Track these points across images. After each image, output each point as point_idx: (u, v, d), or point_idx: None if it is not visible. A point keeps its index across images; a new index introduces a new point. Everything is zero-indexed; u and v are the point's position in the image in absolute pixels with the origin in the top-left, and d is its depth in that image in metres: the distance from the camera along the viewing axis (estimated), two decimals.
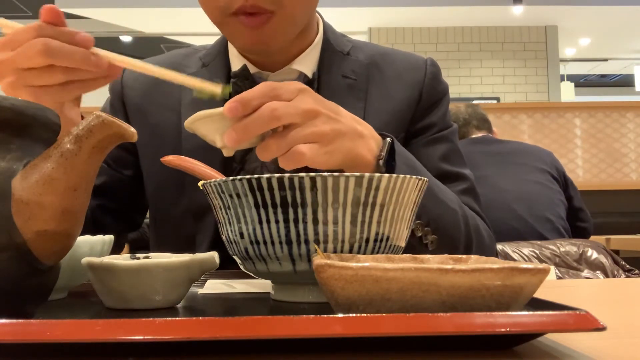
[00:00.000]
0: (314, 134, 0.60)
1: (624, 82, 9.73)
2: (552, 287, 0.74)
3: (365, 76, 0.91)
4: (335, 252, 0.49)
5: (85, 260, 0.49)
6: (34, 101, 0.63)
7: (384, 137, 0.70)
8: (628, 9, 6.43)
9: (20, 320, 0.34)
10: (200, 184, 0.55)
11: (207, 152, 0.87)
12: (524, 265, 0.37)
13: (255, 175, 0.48)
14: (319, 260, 0.38)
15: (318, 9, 0.92)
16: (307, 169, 0.86)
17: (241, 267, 0.55)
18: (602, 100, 4.69)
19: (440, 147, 0.91)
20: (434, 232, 0.72)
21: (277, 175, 0.47)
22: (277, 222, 0.48)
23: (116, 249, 0.61)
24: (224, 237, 0.54)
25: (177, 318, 0.34)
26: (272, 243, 0.49)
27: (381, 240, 0.50)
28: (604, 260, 1.80)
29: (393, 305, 0.37)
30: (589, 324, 0.35)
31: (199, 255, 0.50)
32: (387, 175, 0.49)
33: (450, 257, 0.47)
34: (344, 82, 0.89)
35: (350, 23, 6.21)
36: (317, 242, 0.48)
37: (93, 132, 0.38)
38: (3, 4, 6.43)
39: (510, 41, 6.87)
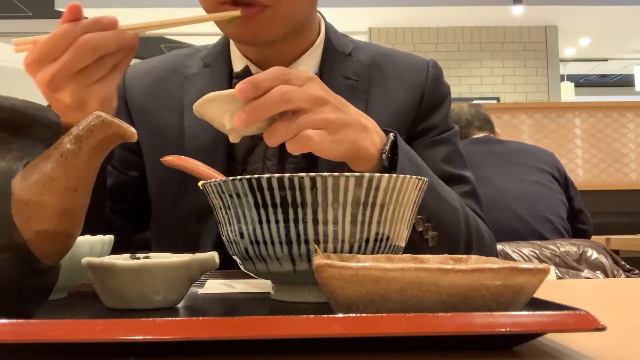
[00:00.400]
0: (322, 121, 0.61)
1: (624, 82, 9.72)
2: (552, 287, 0.74)
3: (367, 77, 0.91)
4: (335, 252, 0.49)
5: (85, 260, 0.49)
6: (102, 95, 0.66)
7: (387, 133, 0.71)
8: (628, 9, 6.43)
9: (20, 320, 0.34)
10: (200, 184, 0.55)
11: (210, 152, 0.87)
12: (524, 265, 0.37)
13: (256, 175, 0.48)
14: (319, 260, 0.38)
15: (318, 9, 0.92)
16: (308, 169, 0.86)
17: (241, 267, 0.55)
18: (602, 100, 4.69)
19: (441, 149, 0.91)
20: (435, 229, 0.72)
21: (277, 175, 0.47)
22: (277, 222, 0.48)
23: (126, 250, 0.61)
24: (224, 237, 0.54)
25: (177, 318, 0.34)
26: (272, 243, 0.49)
27: (381, 240, 0.50)
28: (604, 260, 1.80)
29: (393, 305, 0.37)
30: (589, 324, 0.35)
31: (199, 255, 0.50)
32: (387, 175, 0.49)
33: (450, 257, 0.47)
34: (346, 83, 0.89)
35: (350, 23, 6.21)
36: (317, 242, 0.48)
37: (93, 132, 0.38)
38: (3, 4, 6.43)
39: (510, 41, 6.87)
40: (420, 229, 0.71)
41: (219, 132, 0.89)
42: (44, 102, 0.73)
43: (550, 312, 0.35)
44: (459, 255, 0.47)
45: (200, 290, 0.59)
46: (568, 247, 1.83)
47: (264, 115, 0.58)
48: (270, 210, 0.48)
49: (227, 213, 0.51)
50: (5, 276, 0.37)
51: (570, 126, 4.22)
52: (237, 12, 0.65)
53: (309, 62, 0.89)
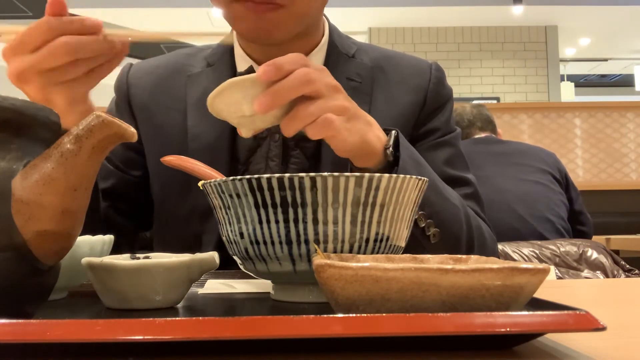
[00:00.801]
0: (340, 107, 0.61)
1: (624, 82, 9.72)
2: (552, 287, 0.74)
3: (370, 79, 0.91)
4: (335, 252, 0.49)
5: (85, 260, 0.49)
6: (69, 95, 0.65)
7: (387, 132, 0.71)
8: (628, 9, 6.43)
9: (20, 320, 0.34)
10: (200, 184, 0.55)
11: (213, 152, 0.87)
12: (524, 265, 0.37)
13: (256, 176, 0.48)
14: (319, 260, 0.38)
15: None
16: (310, 169, 0.86)
17: (241, 267, 0.55)
18: (602, 100, 4.69)
19: (443, 152, 0.91)
20: (437, 226, 0.73)
21: (277, 175, 0.47)
22: (277, 222, 0.48)
23: (129, 250, 0.61)
24: (224, 237, 0.54)
25: (177, 318, 0.34)
26: (272, 243, 0.49)
27: (381, 240, 0.50)
28: (604, 260, 1.80)
29: (393, 305, 0.37)
30: (589, 324, 0.35)
31: (199, 255, 0.50)
32: (387, 175, 0.49)
33: (450, 257, 0.47)
34: (349, 85, 0.89)
35: (350, 23, 6.21)
36: (317, 242, 0.48)
37: (93, 132, 0.38)
38: (3, 4, 6.43)
39: (510, 41, 6.87)
40: (423, 225, 0.72)
41: (222, 132, 0.89)
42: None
43: (550, 312, 0.35)
44: (459, 255, 0.47)
45: (200, 290, 0.59)
46: (568, 247, 1.83)
47: (287, 97, 0.58)
48: (270, 210, 0.48)
49: (227, 213, 0.51)
50: (5, 276, 0.37)
51: (570, 126, 4.21)
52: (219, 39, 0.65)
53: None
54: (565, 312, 0.35)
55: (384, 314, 0.35)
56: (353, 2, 6.03)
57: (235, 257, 0.54)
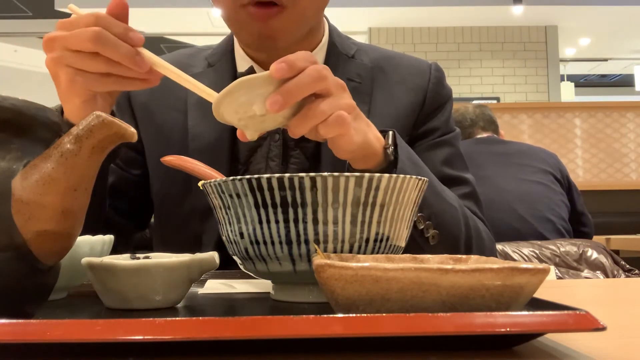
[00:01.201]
0: (349, 106, 0.61)
1: (624, 82, 9.72)
2: (552, 287, 0.74)
3: (370, 80, 0.91)
4: (335, 252, 0.49)
5: (85, 260, 0.49)
6: (68, 81, 0.66)
7: (383, 133, 0.71)
8: (628, 9, 6.43)
9: (20, 320, 0.34)
10: (200, 184, 0.55)
11: (213, 152, 0.87)
12: (524, 265, 0.37)
13: (255, 176, 0.48)
14: (319, 260, 0.38)
15: None
16: (311, 169, 0.86)
17: (241, 267, 0.55)
18: (602, 100, 4.69)
19: (442, 151, 0.91)
20: (435, 228, 0.73)
21: (277, 175, 0.47)
22: (277, 222, 0.48)
23: (125, 249, 0.61)
24: (224, 237, 0.54)
25: (177, 318, 0.34)
26: (272, 243, 0.49)
27: (381, 240, 0.50)
28: (604, 260, 1.80)
29: (393, 305, 0.37)
30: (589, 324, 0.35)
31: (199, 255, 0.50)
32: (387, 175, 0.49)
33: (450, 257, 0.47)
34: (349, 85, 0.89)
35: (350, 23, 6.21)
36: (317, 242, 0.48)
37: (93, 132, 0.38)
38: (3, 4, 6.43)
39: (510, 41, 6.86)
40: (422, 227, 0.72)
41: (222, 132, 0.89)
42: (44, 102, 0.73)
43: (550, 312, 0.35)
44: (459, 255, 0.47)
45: (200, 290, 0.59)
46: (568, 247, 1.83)
47: (301, 95, 0.56)
48: (270, 210, 0.48)
49: (227, 213, 0.51)
50: (5, 276, 0.37)
51: (570, 126, 4.21)
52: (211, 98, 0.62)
53: None
54: (565, 312, 0.35)
55: (384, 314, 0.35)
56: (353, 2, 6.03)
57: (235, 257, 0.54)
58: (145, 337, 0.33)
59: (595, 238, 2.36)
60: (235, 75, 0.90)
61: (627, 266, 1.82)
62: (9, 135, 0.40)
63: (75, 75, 0.65)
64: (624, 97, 8.59)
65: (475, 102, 2.73)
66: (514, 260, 1.70)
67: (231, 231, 0.52)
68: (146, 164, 0.95)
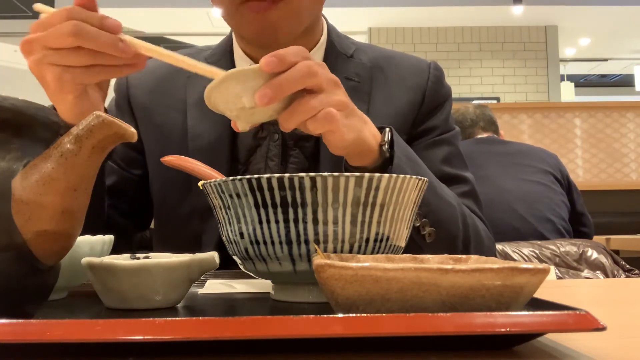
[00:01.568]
0: (341, 102, 0.61)
1: (624, 82, 9.72)
2: (552, 287, 0.74)
3: (369, 79, 0.91)
4: (335, 252, 0.49)
5: (85, 260, 0.49)
6: (56, 80, 0.65)
7: (381, 130, 0.71)
8: (628, 9, 6.43)
9: (20, 320, 0.34)
10: (200, 184, 0.55)
11: (213, 152, 0.87)
12: (524, 265, 0.37)
13: (255, 176, 0.48)
14: (319, 260, 0.38)
15: None
16: (310, 169, 0.86)
17: (241, 267, 0.55)
18: (602, 100, 4.69)
19: (441, 150, 0.91)
20: (432, 225, 0.72)
21: (277, 175, 0.47)
22: (277, 222, 0.48)
23: (126, 249, 0.61)
24: (224, 237, 0.54)
25: (177, 318, 0.34)
26: (272, 243, 0.49)
27: (381, 240, 0.50)
28: (604, 260, 1.80)
29: (393, 305, 0.37)
30: (589, 324, 0.35)
31: (199, 255, 0.50)
32: (387, 175, 0.49)
33: (450, 257, 0.47)
34: (348, 85, 0.89)
35: (350, 23, 6.21)
36: (317, 242, 0.48)
37: (93, 132, 0.38)
38: (3, 4, 6.43)
39: (510, 41, 6.86)
40: (418, 224, 0.71)
41: (222, 132, 0.89)
42: (44, 102, 0.73)
43: (550, 312, 0.35)
44: (459, 255, 0.47)
45: (200, 290, 0.59)
46: (568, 247, 1.83)
47: (290, 89, 0.57)
48: (270, 210, 0.48)
49: (227, 213, 0.51)
50: (5, 276, 0.37)
51: (570, 126, 4.21)
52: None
53: None
54: (565, 312, 0.35)
55: (384, 314, 0.35)
56: (353, 2, 6.03)
57: (235, 257, 0.54)
58: (145, 337, 0.33)
59: (595, 238, 2.36)
60: None
61: (627, 266, 1.82)
62: (9, 135, 0.40)
63: (62, 72, 0.64)
64: (624, 97, 8.59)
65: (475, 102, 2.74)
66: (514, 260, 1.70)
67: (231, 231, 0.52)
68: (146, 163, 0.95)
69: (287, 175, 0.47)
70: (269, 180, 0.47)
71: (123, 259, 0.49)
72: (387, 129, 0.71)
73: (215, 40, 1.00)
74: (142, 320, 0.34)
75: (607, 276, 1.76)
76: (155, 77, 0.95)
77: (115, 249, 0.61)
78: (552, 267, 1.68)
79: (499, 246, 1.77)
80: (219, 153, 0.87)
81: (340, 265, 0.37)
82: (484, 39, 6.85)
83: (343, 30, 1.01)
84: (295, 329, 0.34)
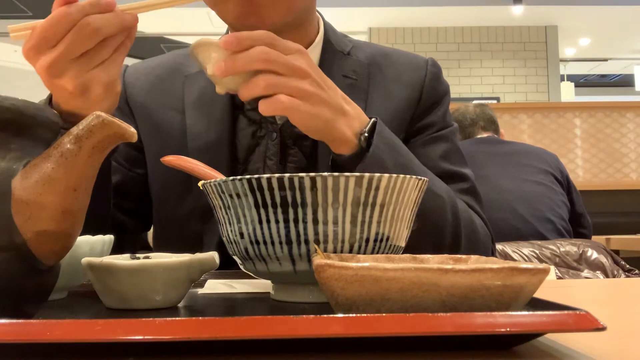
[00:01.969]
0: (298, 90, 0.63)
1: (624, 82, 9.72)
2: (552, 287, 0.74)
3: (366, 76, 0.91)
4: (335, 252, 0.49)
5: (85, 260, 0.49)
6: (105, 79, 0.64)
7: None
8: (628, 9, 6.43)
9: (20, 320, 0.34)
10: (200, 184, 0.55)
11: (213, 152, 0.87)
12: (524, 265, 0.37)
13: (255, 176, 0.48)
14: (319, 260, 0.38)
15: (318, 8, 0.92)
16: (309, 168, 0.86)
17: (241, 267, 0.55)
18: (602, 100, 4.69)
19: (440, 147, 0.91)
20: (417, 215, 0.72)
21: (277, 175, 0.47)
22: (277, 222, 0.48)
23: (131, 248, 0.61)
24: (224, 237, 0.54)
25: (177, 318, 0.34)
26: (272, 243, 0.49)
27: (381, 240, 0.50)
28: (604, 260, 1.80)
29: (393, 305, 0.37)
30: (589, 324, 0.35)
31: (199, 255, 0.50)
32: (387, 175, 0.49)
33: (450, 257, 0.47)
34: (345, 82, 0.89)
35: (350, 23, 6.21)
36: (317, 242, 0.48)
37: (93, 132, 0.38)
38: (3, 4, 6.43)
39: (510, 41, 6.87)
40: None
41: (221, 132, 0.89)
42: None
43: (550, 312, 0.35)
44: (459, 255, 0.47)
45: (200, 290, 0.59)
46: (568, 247, 1.83)
47: (241, 68, 0.61)
48: (270, 210, 0.48)
49: (227, 213, 0.51)
50: (5, 276, 0.37)
51: (570, 126, 4.21)
52: None
53: None
54: (565, 312, 0.35)
55: (384, 314, 0.35)
56: (353, 2, 6.03)
57: (235, 257, 0.54)
58: (145, 337, 0.33)
59: (596, 238, 2.36)
60: None
61: (627, 266, 1.82)
62: (9, 135, 0.40)
63: (107, 70, 0.65)
64: (624, 97, 8.60)
65: (475, 102, 2.74)
66: (514, 260, 1.70)
67: (231, 231, 0.52)
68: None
69: (287, 175, 0.47)
70: (269, 180, 0.47)
71: (123, 259, 0.49)
72: (372, 120, 0.72)
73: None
74: (142, 320, 0.34)
75: (607, 276, 1.76)
76: (153, 76, 0.95)
77: (121, 248, 0.61)
78: (552, 267, 1.68)
79: (499, 246, 1.77)
80: (219, 153, 0.87)
81: (340, 265, 0.37)
82: (484, 39, 6.85)
83: (343, 30, 1.01)
84: (295, 329, 0.34)
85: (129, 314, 0.46)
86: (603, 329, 0.34)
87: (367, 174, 0.48)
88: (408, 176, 0.50)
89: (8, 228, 0.37)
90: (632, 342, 0.42)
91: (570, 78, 8.15)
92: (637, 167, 4.18)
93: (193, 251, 0.55)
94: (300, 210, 0.48)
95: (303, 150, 0.87)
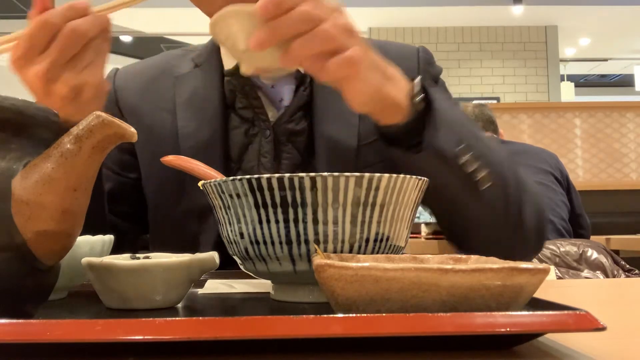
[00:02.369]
0: (353, 55, 0.56)
1: (624, 82, 9.72)
2: (552, 287, 0.74)
3: None
4: (335, 252, 0.49)
5: (85, 260, 0.49)
6: (95, 80, 0.64)
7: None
8: (628, 9, 6.43)
9: (20, 320, 0.34)
10: (200, 184, 0.54)
11: (205, 151, 0.86)
12: (524, 265, 0.37)
13: (255, 176, 0.48)
14: (319, 260, 0.38)
15: None
16: (303, 164, 0.86)
17: (241, 267, 0.55)
18: (602, 100, 4.69)
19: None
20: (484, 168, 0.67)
21: (277, 175, 0.47)
22: (277, 222, 0.48)
23: (130, 251, 0.61)
24: (224, 237, 0.54)
25: (177, 318, 0.34)
26: (272, 243, 0.49)
27: (381, 240, 0.50)
28: (604, 260, 1.80)
29: (393, 305, 0.37)
30: (589, 324, 0.35)
31: (199, 255, 0.50)
32: (387, 175, 0.49)
33: (450, 257, 0.48)
34: None
35: None
36: (317, 242, 0.48)
37: (93, 132, 0.38)
38: (3, 4, 6.43)
39: (510, 41, 6.87)
40: (472, 169, 0.65)
41: (214, 131, 0.88)
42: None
43: (550, 312, 0.35)
44: (459, 255, 0.47)
45: (200, 290, 0.59)
46: (568, 247, 1.83)
47: (284, 35, 0.54)
48: (270, 210, 0.48)
49: (227, 213, 0.51)
50: (5, 276, 0.37)
51: (570, 126, 4.21)
52: None
53: None
54: (565, 312, 0.35)
55: (384, 314, 0.35)
56: (353, 2, 6.02)
57: (235, 257, 0.54)
58: (145, 337, 0.33)
59: (595, 238, 2.36)
60: (222, 73, 0.90)
61: (627, 266, 1.82)
62: (9, 135, 0.40)
63: (95, 71, 0.65)
64: (624, 97, 8.60)
65: (475, 102, 2.73)
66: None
67: (231, 231, 0.52)
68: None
69: (287, 175, 0.47)
70: (269, 180, 0.47)
71: (123, 259, 0.49)
72: (417, 79, 0.66)
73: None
74: (142, 320, 0.34)
75: (607, 276, 1.76)
76: (143, 78, 0.95)
77: (120, 252, 0.61)
78: (552, 267, 1.68)
79: None
80: (212, 152, 0.86)
81: (340, 265, 0.37)
82: (484, 39, 6.85)
83: None
84: (295, 329, 0.34)
85: (129, 314, 0.46)
86: (603, 329, 0.34)
87: (367, 174, 0.48)
88: (408, 176, 0.50)
89: (8, 228, 0.37)
90: (632, 342, 0.42)
91: (570, 78, 8.15)
92: (637, 167, 4.18)
93: (190, 251, 0.55)
94: (300, 210, 0.48)
95: (297, 147, 0.87)
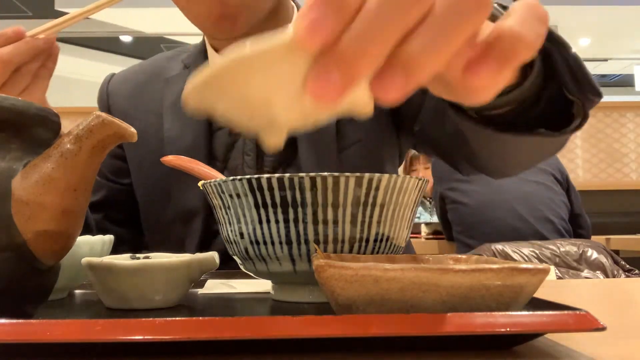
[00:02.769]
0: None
1: (624, 82, 9.72)
2: (552, 287, 0.74)
3: None
4: (335, 252, 0.49)
5: (85, 260, 0.49)
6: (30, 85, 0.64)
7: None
8: (628, 9, 6.43)
9: (20, 320, 0.34)
10: (200, 184, 0.55)
11: (191, 153, 0.86)
12: (524, 265, 0.37)
13: (256, 176, 0.48)
14: (319, 260, 0.38)
15: None
16: (287, 162, 0.86)
17: (241, 267, 0.55)
18: (602, 100, 4.68)
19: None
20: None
21: (277, 175, 0.47)
22: (277, 222, 0.48)
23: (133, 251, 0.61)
24: (224, 237, 0.54)
25: (177, 318, 0.34)
26: (272, 243, 0.49)
27: (381, 240, 0.50)
28: (604, 260, 1.80)
29: (393, 305, 0.37)
30: (589, 324, 0.35)
31: (199, 255, 0.50)
32: (387, 175, 0.49)
33: (450, 257, 0.48)
34: None
35: None
36: (317, 242, 0.48)
37: (93, 132, 0.38)
38: (3, 4, 6.43)
39: None
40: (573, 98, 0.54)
41: (198, 133, 0.88)
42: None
43: (550, 312, 0.35)
44: (459, 255, 0.47)
45: (200, 290, 0.59)
46: (568, 247, 1.83)
47: (377, 53, 0.25)
48: (270, 210, 0.48)
49: (227, 213, 0.51)
50: (5, 276, 0.37)
51: None
52: None
53: None
54: (565, 312, 0.35)
55: (384, 314, 0.35)
56: None
57: (235, 257, 0.54)
58: (145, 337, 0.33)
59: (595, 238, 2.36)
60: None
61: (627, 266, 1.82)
62: (9, 135, 0.40)
63: (29, 97, 0.65)
64: (624, 97, 8.59)
65: None
66: (514, 260, 1.70)
67: (231, 231, 0.52)
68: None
69: (287, 175, 0.47)
70: (268, 180, 0.47)
71: (123, 259, 0.49)
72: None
73: None
74: (142, 320, 0.34)
75: (607, 276, 1.76)
76: (134, 83, 0.96)
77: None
78: (552, 267, 1.68)
79: (498, 246, 1.77)
80: (197, 153, 0.86)
81: (340, 265, 0.37)
82: None
83: None
84: (295, 329, 0.34)
85: (129, 314, 0.46)
86: (603, 329, 0.34)
87: (367, 174, 0.48)
88: (408, 176, 0.50)
89: (8, 228, 0.37)
90: (632, 342, 0.42)
91: None
92: (637, 167, 4.18)
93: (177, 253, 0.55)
94: (300, 210, 0.48)
95: None
